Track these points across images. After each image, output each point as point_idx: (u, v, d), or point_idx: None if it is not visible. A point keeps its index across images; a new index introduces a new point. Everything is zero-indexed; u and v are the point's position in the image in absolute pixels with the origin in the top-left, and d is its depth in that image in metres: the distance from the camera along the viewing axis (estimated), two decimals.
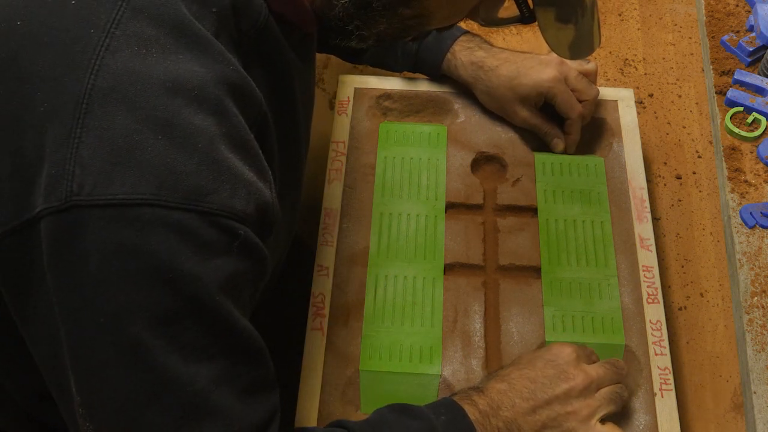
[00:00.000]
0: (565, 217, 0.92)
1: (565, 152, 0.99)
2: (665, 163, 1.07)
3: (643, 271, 0.89)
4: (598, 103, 1.02)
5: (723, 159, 1.03)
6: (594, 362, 0.79)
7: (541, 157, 0.98)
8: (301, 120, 0.78)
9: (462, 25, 1.07)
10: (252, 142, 0.62)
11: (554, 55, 0.98)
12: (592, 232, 0.91)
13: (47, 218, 0.55)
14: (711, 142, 1.09)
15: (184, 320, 0.57)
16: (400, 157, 0.97)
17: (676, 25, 1.23)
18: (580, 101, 0.97)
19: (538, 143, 1.01)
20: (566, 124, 0.98)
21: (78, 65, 0.55)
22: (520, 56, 0.98)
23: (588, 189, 0.95)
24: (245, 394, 0.62)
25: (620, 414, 0.79)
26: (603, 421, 0.75)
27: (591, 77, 0.98)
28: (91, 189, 0.54)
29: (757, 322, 0.90)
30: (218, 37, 0.62)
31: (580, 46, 0.77)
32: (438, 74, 1.03)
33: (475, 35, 1.02)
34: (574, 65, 0.98)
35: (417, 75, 1.05)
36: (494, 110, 1.00)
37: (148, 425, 0.58)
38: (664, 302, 0.88)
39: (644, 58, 1.19)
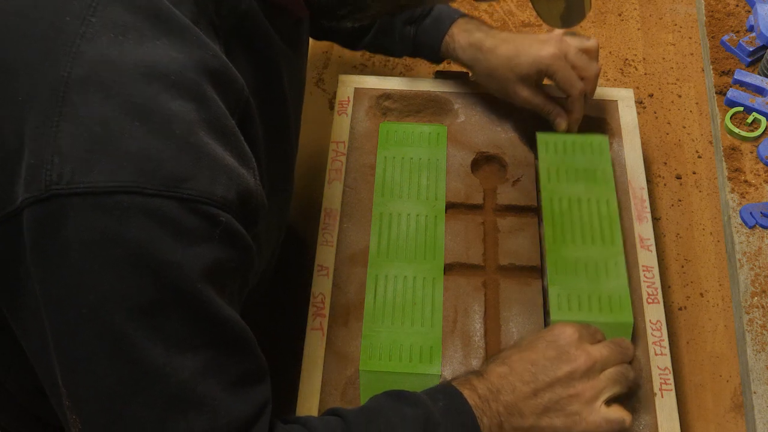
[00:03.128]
0: (569, 195, 0.92)
1: (568, 131, 0.98)
2: (665, 163, 1.07)
3: (643, 271, 0.89)
4: (598, 103, 1.02)
5: (723, 159, 1.03)
6: (599, 341, 0.77)
7: (544, 137, 0.97)
8: (290, 109, 0.76)
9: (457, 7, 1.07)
10: (233, 128, 0.61)
11: (553, 34, 0.97)
12: (598, 210, 0.91)
13: (29, 209, 0.55)
14: (711, 142, 1.09)
15: (167, 310, 0.57)
16: (400, 157, 0.97)
17: (676, 25, 1.23)
18: (581, 78, 0.95)
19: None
20: (568, 102, 0.97)
21: (54, 53, 0.55)
22: (518, 36, 0.97)
23: (592, 167, 0.94)
24: (233, 386, 0.61)
25: (626, 397, 0.77)
26: (609, 403, 0.74)
27: (592, 54, 0.97)
28: (70, 178, 0.53)
29: (757, 322, 0.90)
30: (197, 24, 0.61)
31: (571, 14, 0.76)
32: (437, 58, 1.02)
33: (473, 18, 1.01)
34: (574, 42, 0.96)
35: (417, 75, 1.05)
36: (495, 92, 1.00)
37: (133, 416, 0.58)
38: (664, 302, 0.88)
39: (644, 58, 1.19)
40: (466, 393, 0.71)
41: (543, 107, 0.97)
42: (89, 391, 0.58)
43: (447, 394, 0.72)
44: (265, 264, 0.79)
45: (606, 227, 0.89)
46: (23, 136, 0.55)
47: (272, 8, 0.70)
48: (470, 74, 1.03)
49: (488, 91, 1.01)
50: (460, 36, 0.99)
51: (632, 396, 0.81)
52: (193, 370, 0.58)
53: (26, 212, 0.55)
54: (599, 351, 0.75)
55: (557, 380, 0.73)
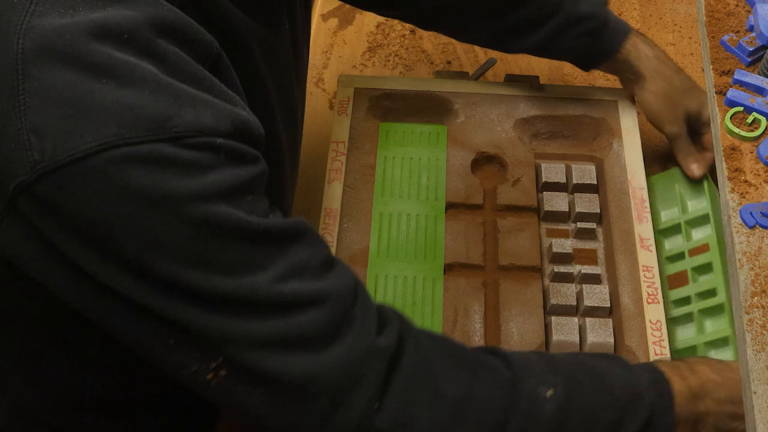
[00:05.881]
0: None
1: (697, 177, 0.99)
2: (665, 163, 1.07)
3: (643, 271, 0.89)
4: (598, 103, 1.02)
5: (723, 159, 1.03)
6: None
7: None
8: (271, 90, 0.74)
9: None
10: (204, 73, 0.59)
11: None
12: None
13: (23, 196, 0.53)
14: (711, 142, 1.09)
15: (207, 242, 0.56)
16: (400, 157, 0.97)
17: (676, 25, 1.23)
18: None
19: (538, 144, 1.01)
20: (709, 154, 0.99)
21: (6, 34, 0.54)
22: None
23: None
24: (319, 275, 0.61)
25: None
26: None
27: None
28: (52, 151, 0.52)
29: (757, 322, 0.90)
30: None
31: None
32: (591, 66, 1.01)
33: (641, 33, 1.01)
34: None
35: (417, 75, 1.05)
36: (653, 111, 0.99)
37: (240, 341, 0.58)
38: (664, 302, 0.88)
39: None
40: (675, 379, 0.71)
41: (687, 147, 0.98)
42: (188, 330, 0.58)
43: (651, 371, 0.72)
44: None
45: None
46: None
47: None
48: (629, 90, 1.02)
49: (641, 108, 1.01)
50: (644, 47, 0.98)
51: None
52: (272, 280, 0.58)
53: (21, 200, 0.54)
54: None
55: None
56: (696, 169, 0.99)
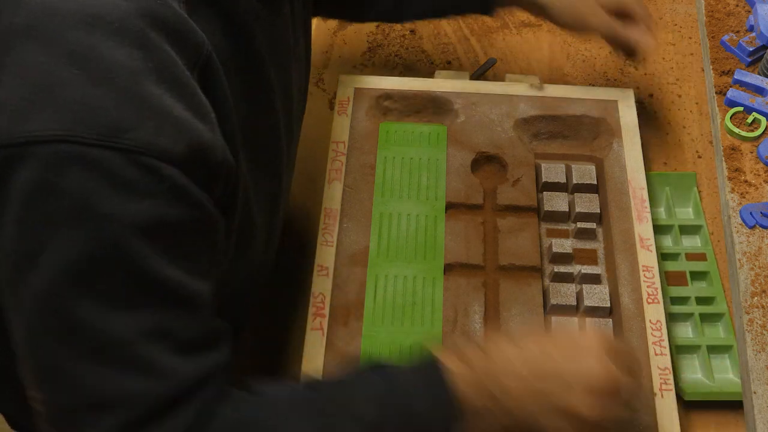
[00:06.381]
0: None
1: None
2: (665, 163, 1.07)
3: (643, 271, 0.89)
4: (598, 103, 1.02)
5: (723, 159, 1.03)
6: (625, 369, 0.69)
7: None
8: (272, 72, 0.73)
9: None
10: (187, 80, 0.58)
11: None
12: None
13: None
14: (711, 142, 1.09)
15: (101, 266, 0.55)
16: (400, 157, 0.97)
17: (676, 25, 1.23)
18: None
19: (538, 144, 1.01)
20: (647, 27, 0.98)
21: (1, 7, 0.54)
22: None
23: None
24: (179, 351, 0.59)
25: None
26: None
27: None
28: (8, 129, 0.52)
29: (757, 322, 0.90)
30: None
31: None
32: (488, 8, 1.00)
33: None
34: None
35: (417, 75, 1.05)
36: (571, 24, 0.99)
37: (68, 370, 0.56)
38: (664, 302, 0.88)
39: (644, 58, 1.19)
40: (453, 364, 0.66)
41: (620, 30, 0.97)
42: (28, 345, 0.57)
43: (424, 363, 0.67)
44: (261, 253, 0.77)
45: None
46: None
47: None
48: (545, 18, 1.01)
49: (560, 25, 1.00)
50: None
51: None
52: (134, 330, 0.56)
53: None
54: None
55: (556, 374, 0.66)
56: (648, 42, 0.98)
